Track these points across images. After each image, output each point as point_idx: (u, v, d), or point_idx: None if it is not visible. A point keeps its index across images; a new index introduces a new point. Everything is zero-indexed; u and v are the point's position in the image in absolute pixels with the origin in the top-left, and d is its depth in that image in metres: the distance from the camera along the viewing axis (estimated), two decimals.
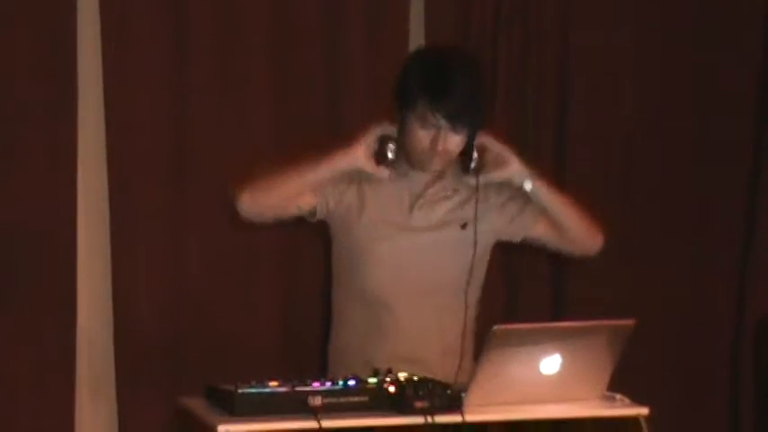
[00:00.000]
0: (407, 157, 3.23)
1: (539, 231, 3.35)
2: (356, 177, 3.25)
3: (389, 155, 3.20)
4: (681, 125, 4.50)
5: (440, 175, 3.28)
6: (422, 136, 3.17)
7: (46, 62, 3.84)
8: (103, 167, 3.95)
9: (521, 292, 4.27)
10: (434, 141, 3.15)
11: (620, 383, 2.93)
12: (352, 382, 2.81)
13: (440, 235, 3.26)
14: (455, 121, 3.14)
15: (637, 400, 2.90)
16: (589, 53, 4.38)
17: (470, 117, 3.16)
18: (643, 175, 4.48)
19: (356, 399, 2.77)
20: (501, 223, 3.32)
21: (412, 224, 3.26)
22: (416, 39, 4.22)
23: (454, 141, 3.18)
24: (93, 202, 3.95)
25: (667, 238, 4.50)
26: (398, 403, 2.75)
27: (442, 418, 2.72)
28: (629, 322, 2.84)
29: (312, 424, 2.67)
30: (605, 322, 2.86)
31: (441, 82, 3.15)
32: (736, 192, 4.55)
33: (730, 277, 4.57)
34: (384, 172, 3.20)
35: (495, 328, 2.78)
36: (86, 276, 3.94)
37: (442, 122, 3.13)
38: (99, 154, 3.94)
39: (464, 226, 3.27)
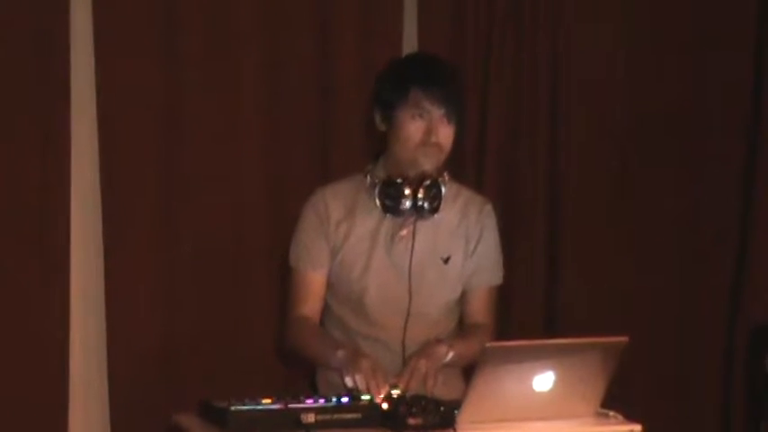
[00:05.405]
0: (397, 163, 3.22)
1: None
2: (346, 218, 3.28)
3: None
4: (675, 131, 4.52)
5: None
6: (413, 130, 3.17)
7: (40, 62, 3.84)
8: (97, 168, 3.95)
9: (513, 304, 4.27)
10: (427, 134, 3.16)
11: (612, 396, 2.93)
12: (345, 399, 2.83)
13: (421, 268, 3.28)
14: (448, 106, 3.15)
15: (629, 413, 2.91)
16: (582, 53, 4.40)
17: (461, 108, 3.20)
18: (635, 183, 4.49)
19: (349, 416, 2.78)
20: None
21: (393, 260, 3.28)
22: (410, 35, 4.27)
23: (446, 133, 3.18)
24: (88, 204, 3.96)
25: (659, 248, 4.51)
26: (391, 420, 2.76)
27: None
28: (622, 339, 2.84)
29: None
30: (598, 339, 2.86)
31: (433, 69, 3.20)
32: (730, 201, 4.57)
33: (723, 289, 4.58)
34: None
35: (488, 345, 2.79)
36: (79, 291, 3.94)
37: (435, 109, 3.14)
38: (93, 154, 3.95)
39: (447, 260, 3.31)
